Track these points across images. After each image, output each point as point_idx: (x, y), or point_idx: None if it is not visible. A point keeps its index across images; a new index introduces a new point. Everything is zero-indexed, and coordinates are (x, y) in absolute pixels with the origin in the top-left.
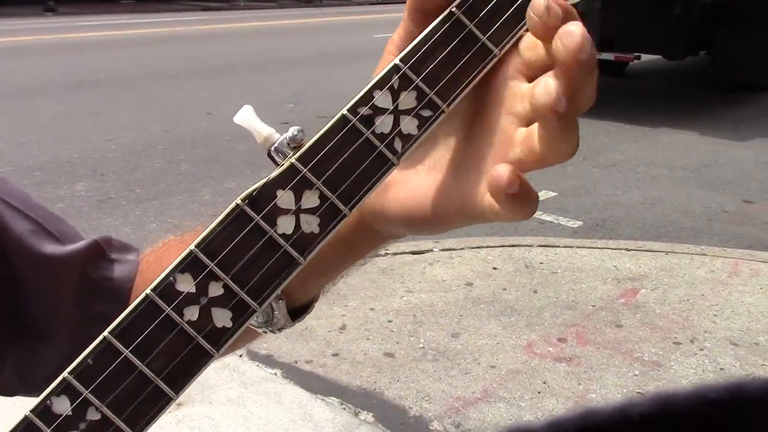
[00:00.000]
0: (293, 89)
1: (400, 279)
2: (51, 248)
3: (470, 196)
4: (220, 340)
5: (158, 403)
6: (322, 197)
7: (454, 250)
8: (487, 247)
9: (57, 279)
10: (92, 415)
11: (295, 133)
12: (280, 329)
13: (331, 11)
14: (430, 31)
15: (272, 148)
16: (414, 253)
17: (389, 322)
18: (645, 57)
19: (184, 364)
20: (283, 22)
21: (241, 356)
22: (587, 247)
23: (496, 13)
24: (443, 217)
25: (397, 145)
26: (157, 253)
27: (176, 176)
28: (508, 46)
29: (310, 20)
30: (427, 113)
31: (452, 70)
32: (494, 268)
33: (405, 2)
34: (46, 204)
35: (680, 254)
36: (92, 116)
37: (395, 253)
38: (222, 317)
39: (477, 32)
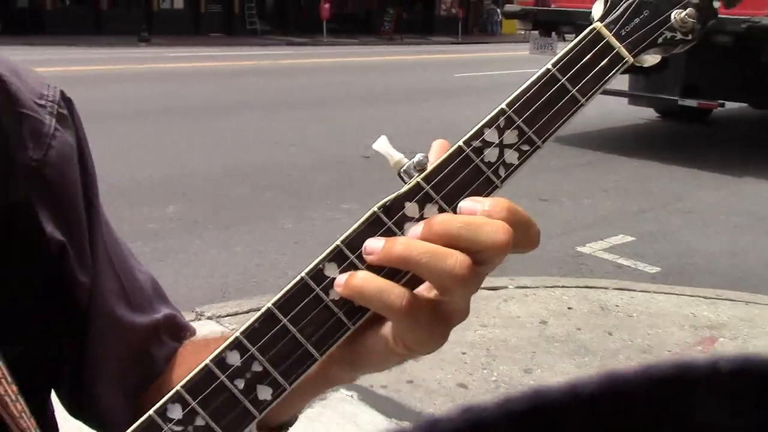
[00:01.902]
0: (374, 125)
1: (474, 313)
2: (123, 311)
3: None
4: (356, 316)
5: (307, 362)
6: (441, 209)
7: (528, 288)
8: (562, 287)
9: (117, 341)
10: (256, 368)
11: (421, 158)
12: None
13: (411, 50)
14: (531, 83)
15: (402, 170)
16: (489, 289)
17: (463, 353)
18: (729, 104)
19: (328, 333)
20: (364, 59)
21: (352, 397)
22: (665, 293)
23: (584, 71)
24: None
25: (501, 171)
26: (197, 345)
27: (260, 203)
28: (594, 97)
29: (391, 58)
30: (525, 147)
31: (547, 114)
32: (569, 308)
33: (483, 43)
34: (141, 224)
35: (762, 305)
36: (184, 143)
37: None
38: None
39: (568, 85)
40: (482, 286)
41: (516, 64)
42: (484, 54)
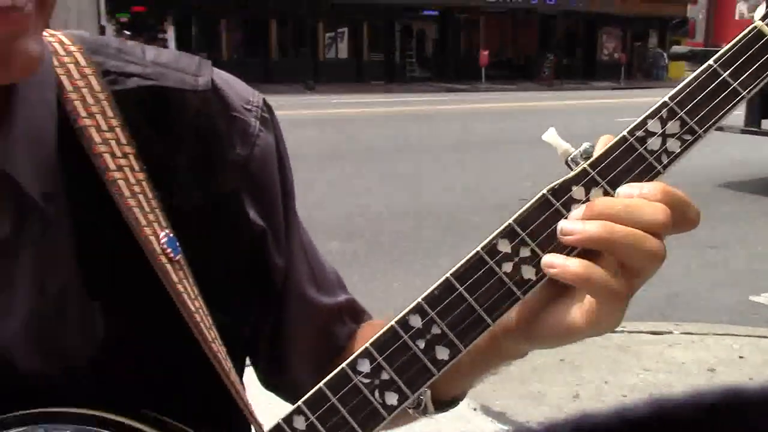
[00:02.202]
0: (531, 168)
1: (636, 357)
2: (312, 293)
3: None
4: (524, 287)
5: (479, 327)
6: (606, 193)
7: (695, 334)
8: (732, 335)
9: (307, 319)
10: (435, 330)
11: (588, 147)
12: (426, 414)
13: (570, 95)
14: (693, 77)
15: (569, 158)
16: (652, 333)
17: (623, 396)
18: None
19: (498, 301)
20: (522, 104)
21: (475, 410)
22: None
23: (744, 66)
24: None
25: (663, 158)
26: (374, 327)
27: (418, 242)
28: (754, 90)
29: (550, 103)
30: (687, 137)
31: (708, 106)
32: (740, 357)
33: (647, 87)
34: None
35: None
36: (345, 183)
37: (632, 332)
38: (528, 272)
39: (729, 80)
40: (645, 330)
41: None
42: (648, 99)
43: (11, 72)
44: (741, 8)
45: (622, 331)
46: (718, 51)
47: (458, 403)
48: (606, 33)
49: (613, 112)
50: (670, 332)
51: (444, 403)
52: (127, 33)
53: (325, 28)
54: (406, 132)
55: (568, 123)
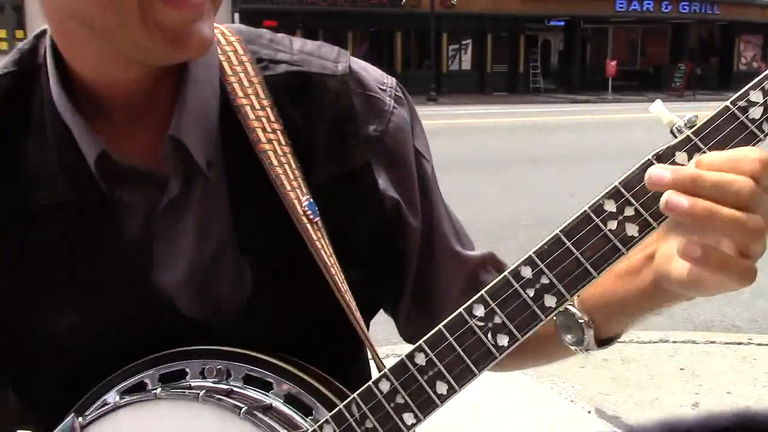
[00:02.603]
0: None
1: (763, 369)
2: (458, 247)
3: None
4: (629, 244)
5: (585, 279)
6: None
7: None
8: None
9: (456, 270)
10: (544, 280)
11: (692, 117)
12: (587, 350)
13: (704, 105)
14: None
15: (674, 127)
16: None
17: (747, 407)
18: None
19: (603, 256)
20: (649, 115)
21: (589, 412)
22: None
23: None
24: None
25: (765, 127)
26: None
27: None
28: None
29: (681, 113)
30: None
31: None
32: None
33: None
34: None
35: None
36: (466, 191)
37: (760, 344)
38: (632, 229)
39: None
40: None
41: None
42: None
43: (188, 51)
44: None
45: (749, 343)
46: None
47: (615, 342)
48: (744, 41)
49: None
50: None
51: (604, 341)
52: None
53: (449, 40)
54: (524, 143)
55: None
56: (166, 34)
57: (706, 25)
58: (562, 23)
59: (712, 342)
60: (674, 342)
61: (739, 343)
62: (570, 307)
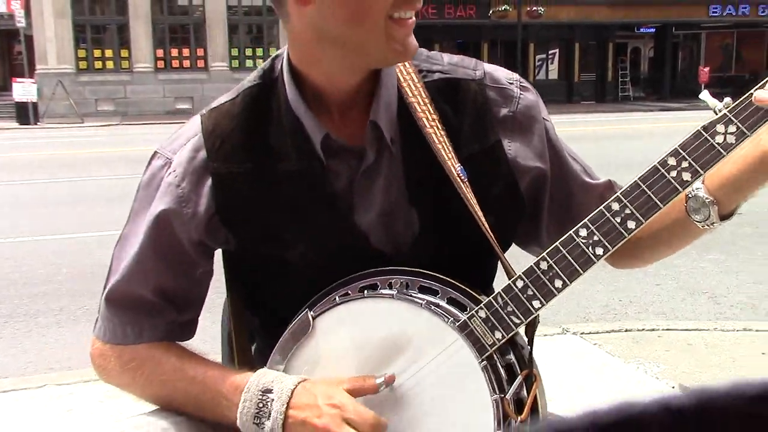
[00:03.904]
0: None
1: None
2: (587, 178)
3: None
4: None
5: (716, 159)
6: (738, 129)
7: None
8: None
9: (589, 195)
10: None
11: (728, 100)
12: (712, 225)
13: None
14: None
15: (716, 108)
16: None
17: None
18: None
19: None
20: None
21: (673, 387)
22: None
23: None
24: None
25: None
26: None
27: None
28: None
29: None
30: None
31: None
32: None
33: None
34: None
35: None
36: None
37: None
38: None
39: None
40: None
41: None
42: None
43: (408, 55)
44: None
45: None
46: None
47: (733, 216)
48: None
49: None
50: None
51: (725, 216)
52: None
53: (536, 50)
54: (612, 150)
55: None
56: (398, 46)
57: None
58: (653, 30)
59: None
60: (757, 330)
61: None
62: (698, 191)
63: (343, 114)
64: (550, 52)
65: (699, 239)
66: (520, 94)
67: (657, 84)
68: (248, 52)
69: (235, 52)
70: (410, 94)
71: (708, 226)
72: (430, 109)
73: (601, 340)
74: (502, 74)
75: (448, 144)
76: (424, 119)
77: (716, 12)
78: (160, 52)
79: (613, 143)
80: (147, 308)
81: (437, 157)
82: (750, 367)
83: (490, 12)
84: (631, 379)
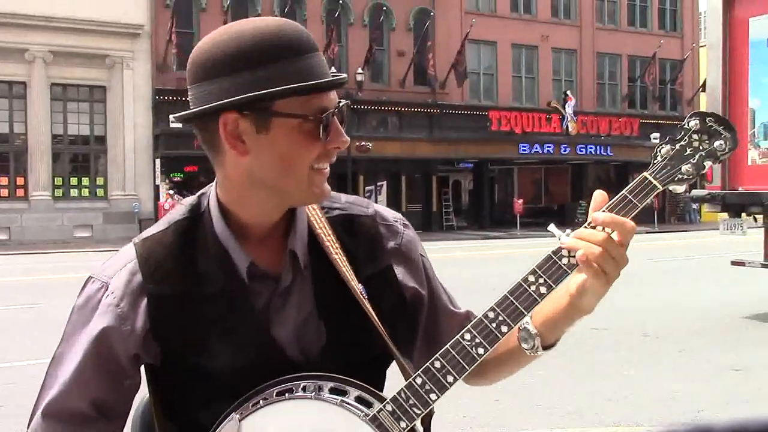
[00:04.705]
0: None
1: None
2: (452, 307)
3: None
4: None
5: (531, 306)
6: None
7: None
8: None
9: (452, 321)
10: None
11: (569, 231)
12: (537, 352)
13: None
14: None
15: (560, 238)
16: None
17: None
18: None
19: (535, 300)
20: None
21: None
22: None
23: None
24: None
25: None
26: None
27: None
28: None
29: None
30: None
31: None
32: None
33: (679, 231)
34: None
35: None
36: None
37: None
38: (543, 288)
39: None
40: None
41: (706, 249)
42: (678, 241)
43: (323, 198)
44: (753, 155)
45: None
46: (735, 194)
47: (554, 347)
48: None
49: (646, 253)
50: None
51: (547, 347)
52: (171, 192)
53: (365, 181)
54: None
55: None
56: (317, 190)
57: (603, 164)
58: (470, 165)
59: None
60: None
61: None
62: (527, 325)
63: (262, 243)
64: (378, 183)
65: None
66: (403, 230)
67: (477, 214)
68: (73, 181)
69: (59, 181)
70: (317, 227)
71: (534, 353)
72: (333, 239)
73: None
74: (389, 214)
75: (349, 267)
76: (330, 247)
77: (525, 150)
78: None
79: (446, 269)
80: (82, 421)
81: (342, 278)
82: None
83: None
84: None
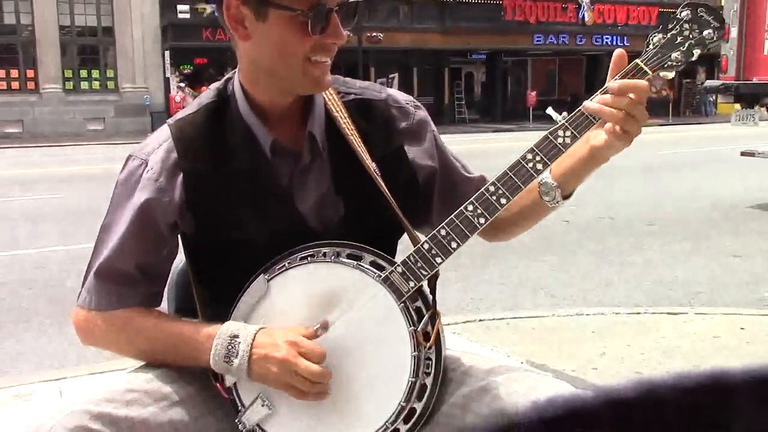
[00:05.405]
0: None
1: (655, 329)
2: (465, 173)
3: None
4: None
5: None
6: (572, 134)
7: (707, 314)
8: (738, 314)
9: (468, 186)
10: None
11: (565, 113)
12: (557, 203)
13: None
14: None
15: (558, 119)
16: (670, 314)
17: (641, 354)
18: None
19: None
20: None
21: (522, 363)
22: None
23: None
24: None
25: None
26: None
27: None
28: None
29: None
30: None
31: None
32: (741, 329)
33: (696, 123)
34: None
35: None
36: None
37: (654, 313)
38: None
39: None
40: (665, 311)
41: (719, 141)
42: (691, 134)
43: (322, 89)
44: None
45: (645, 312)
46: (748, 84)
47: (571, 196)
48: None
49: (658, 146)
50: (686, 312)
51: (566, 197)
52: (181, 85)
53: (377, 74)
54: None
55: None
56: (313, 80)
57: None
58: (483, 56)
59: (617, 313)
60: (586, 315)
61: (637, 313)
62: (547, 179)
63: (282, 125)
64: (389, 75)
65: (538, 243)
66: (415, 111)
67: (490, 107)
68: (83, 73)
69: (69, 73)
70: (334, 110)
71: (554, 204)
72: (349, 122)
73: (459, 329)
74: (401, 97)
75: (364, 148)
76: (346, 129)
77: (540, 40)
78: None
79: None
80: (129, 281)
81: (357, 157)
82: (580, 344)
83: None
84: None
